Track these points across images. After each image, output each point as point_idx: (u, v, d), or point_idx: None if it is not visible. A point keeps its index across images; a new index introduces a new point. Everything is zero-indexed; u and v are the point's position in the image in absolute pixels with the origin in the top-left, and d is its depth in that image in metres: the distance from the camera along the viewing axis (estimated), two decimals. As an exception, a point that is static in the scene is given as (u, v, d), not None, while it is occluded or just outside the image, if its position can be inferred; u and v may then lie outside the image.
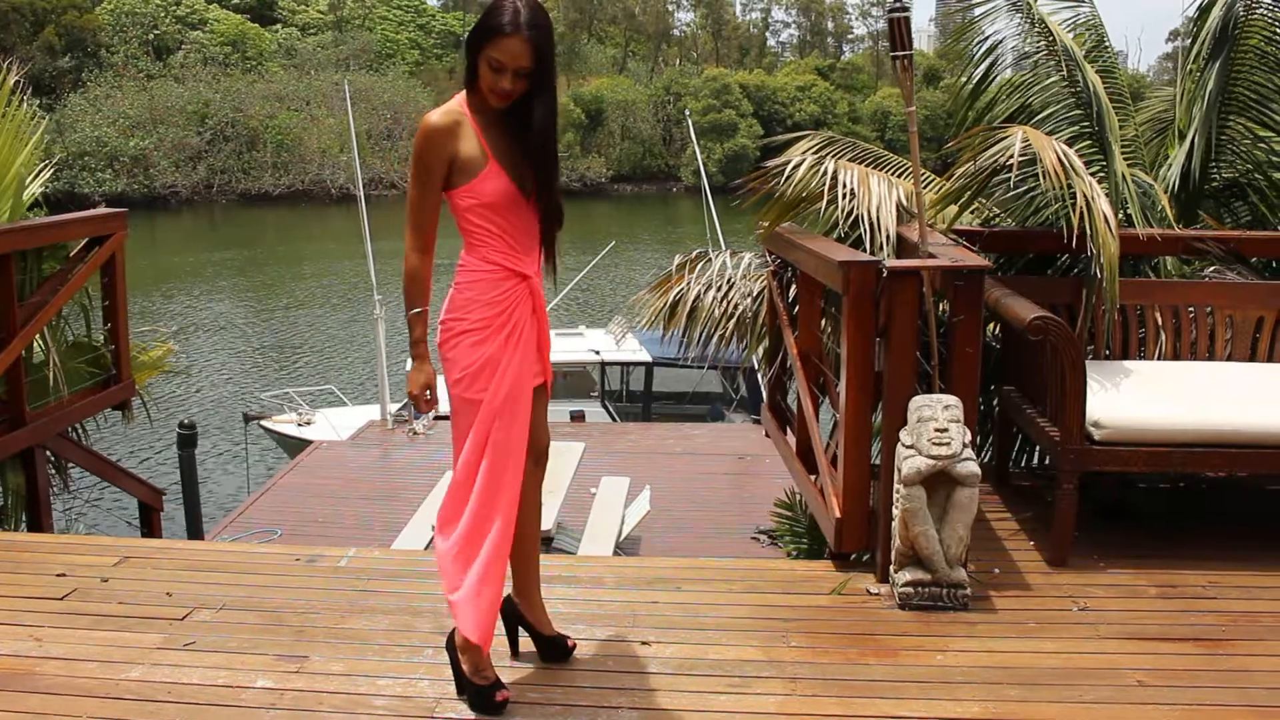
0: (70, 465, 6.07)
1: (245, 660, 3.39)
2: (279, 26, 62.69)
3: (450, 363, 3.07)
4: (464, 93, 3.02)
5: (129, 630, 3.60)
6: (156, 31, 55.83)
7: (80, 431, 6.22)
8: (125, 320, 5.99)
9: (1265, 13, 5.45)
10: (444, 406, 3.14)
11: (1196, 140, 5.52)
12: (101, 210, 6.07)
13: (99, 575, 4.06)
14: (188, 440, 10.17)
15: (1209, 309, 4.80)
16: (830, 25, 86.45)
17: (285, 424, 13.30)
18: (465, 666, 3.10)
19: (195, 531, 9.58)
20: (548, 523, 6.07)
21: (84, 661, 3.37)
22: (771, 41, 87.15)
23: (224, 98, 52.13)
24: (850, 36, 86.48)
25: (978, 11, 5.87)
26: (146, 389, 6.76)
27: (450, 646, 3.15)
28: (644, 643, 3.50)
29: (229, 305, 27.39)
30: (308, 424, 13.07)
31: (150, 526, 6.53)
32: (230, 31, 57.99)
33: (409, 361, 3.15)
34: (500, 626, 3.24)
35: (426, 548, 6.50)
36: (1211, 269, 5.02)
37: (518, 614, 3.35)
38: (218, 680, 3.26)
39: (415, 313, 3.05)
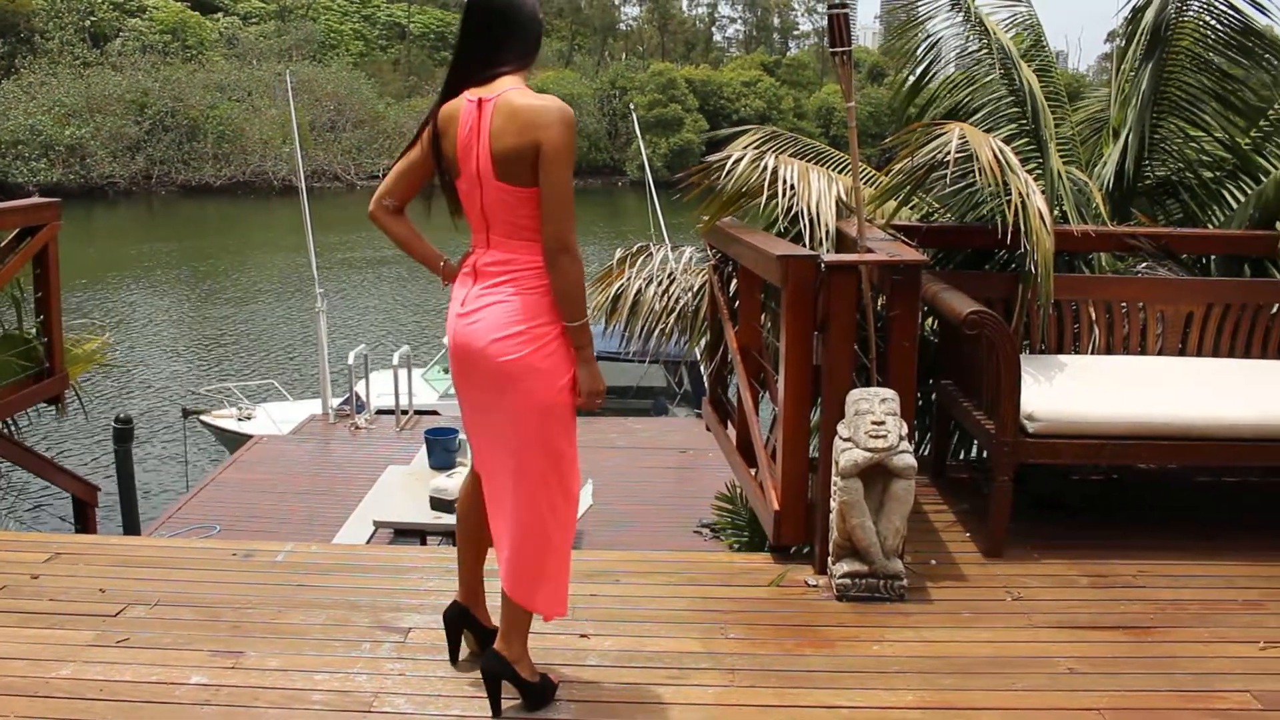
0: (1, 461, 5.96)
1: (180, 656, 3.35)
2: (220, 15, 61.70)
3: (555, 372, 2.89)
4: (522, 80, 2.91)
5: (60, 628, 3.54)
6: (93, 18, 54.67)
7: (12, 426, 6.11)
8: (59, 312, 5.89)
9: (1195, 15, 5.55)
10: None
11: (1130, 139, 5.61)
12: (34, 200, 5.95)
13: (29, 572, 3.98)
14: (124, 435, 10.01)
15: (1141, 304, 4.89)
16: (776, 21, 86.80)
17: (225, 419, 13.14)
18: (525, 673, 3.06)
19: (132, 528, 9.43)
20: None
21: (12, 660, 3.31)
22: (717, 37, 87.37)
23: (163, 87, 51.05)
24: (796, 32, 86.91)
25: (921, 7, 5.92)
26: (81, 383, 6.65)
27: (499, 667, 3.04)
28: (582, 635, 3.51)
29: (167, 298, 26.98)
30: (248, 419, 12.92)
31: (85, 523, 6.43)
32: (170, 19, 56.96)
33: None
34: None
35: (368, 541, 6.47)
36: (1144, 265, 5.11)
37: (466, 618, 3.30)
38: (151, 677, 3.22)
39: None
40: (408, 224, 3.11)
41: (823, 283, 3.81)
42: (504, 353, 2.85)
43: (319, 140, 52.78)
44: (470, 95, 2.89)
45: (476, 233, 2.96)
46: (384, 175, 3.07)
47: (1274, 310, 4.87)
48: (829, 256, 3.90)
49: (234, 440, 12.27)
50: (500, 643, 3.06)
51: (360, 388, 12.14)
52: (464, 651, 3.34)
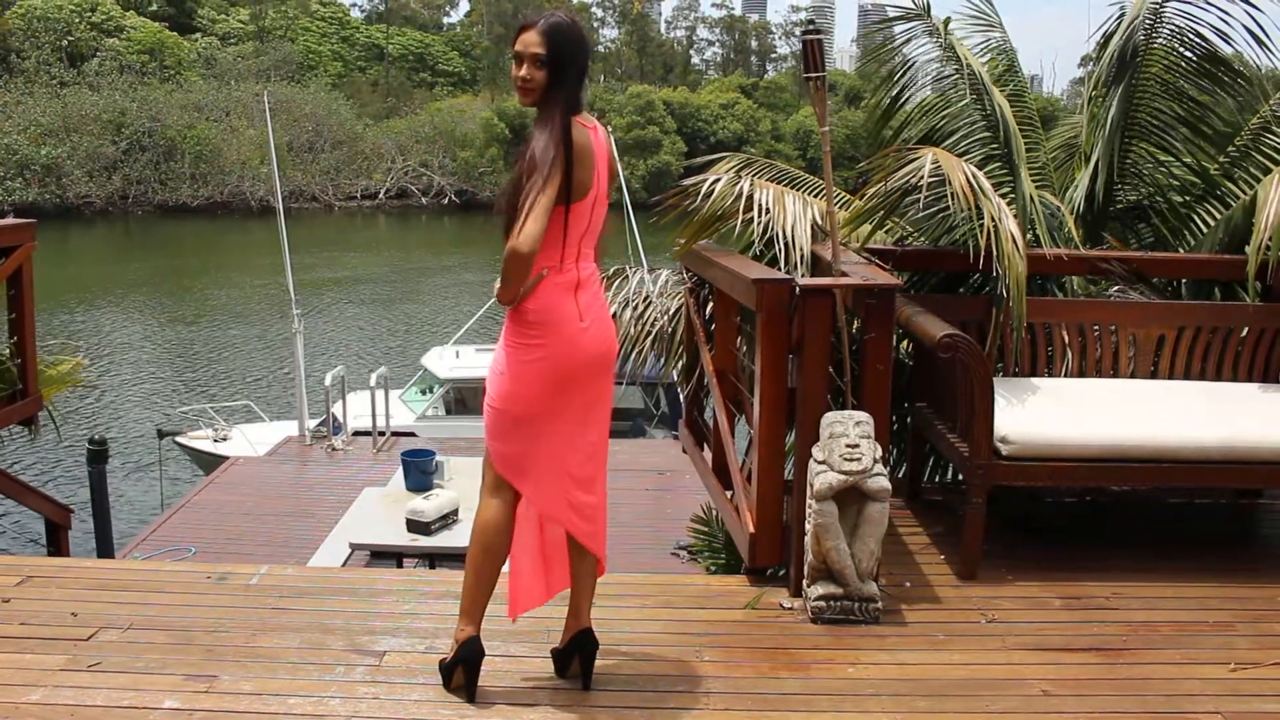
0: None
1: (152, 680, 3.33)
2: (198, 35, 61.68)
3: None
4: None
5: (30, 651, 3.51)
6: (70, 38, 54.48)
7: (-16, 448, 6.07)
8: (33, 333, 5.85)
9: (1164, 43, 5.62)
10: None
11: (1100, 164, 5.67)
12: (9, 221, 5.93)
13: (0, 595, 3.95)
14: (98, 456, 9.93)
15: (1113, 327, 4.94)
16: (754, 44, 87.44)
17: (201, 440, 13.06)
18: None
19: (106, 550, 9.34)
20: (465, 539, 6.05)
21: (-17, 684, 3.28)
22: (695, 59, 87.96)
23: (141, 107, 50.79)
24: (774, 55, 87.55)
25: (896, 30, 5.98)
26: (55, 404, 6.61)
27: (596, 641, 3.34)
28: (559, 658, 3.50)
29: (144, 319, 26.83)
30: (224, 440, 12.85)
31: (58, 545, 6.38)
32: (148, 40, 56.84)
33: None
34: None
35: (344, 564, 6.45)
36: (1115, 289, 5.15)
37: (481, 651, 3.26)
38: (123, 701, 3.19)
39: None
40: None
41: (798, 306, 3.83)
42: (615, 344, 3.31)
43: (297, 161, 52.71)
44: (584, 122, 3.16)
45: (568, 247, 3.09)
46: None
47: (1243, 333, 4.93)
48: (804, 280, 3.94)
49: (210, 461, 12.20)
50: (588, 622, 3.31)
51: (337, 409, 12.11)
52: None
